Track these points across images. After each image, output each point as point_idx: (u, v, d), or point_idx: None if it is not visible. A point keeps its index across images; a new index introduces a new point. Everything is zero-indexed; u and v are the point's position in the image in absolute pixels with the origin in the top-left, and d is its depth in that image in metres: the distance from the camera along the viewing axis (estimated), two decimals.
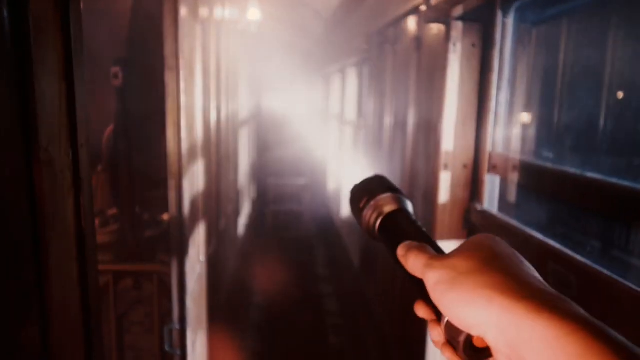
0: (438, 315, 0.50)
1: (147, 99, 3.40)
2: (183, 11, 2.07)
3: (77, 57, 0.99)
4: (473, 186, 2.19)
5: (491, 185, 2.13)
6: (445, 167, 2.18)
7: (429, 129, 2.43)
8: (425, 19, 2.21)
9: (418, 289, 0.53)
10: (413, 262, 0.52)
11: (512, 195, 2.09)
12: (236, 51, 4.81)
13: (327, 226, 7.78)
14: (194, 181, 2.56)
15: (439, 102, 2.22)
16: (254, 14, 5.01)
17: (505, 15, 1.95)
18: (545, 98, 2.07)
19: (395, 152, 3.39)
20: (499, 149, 2.09)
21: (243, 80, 5.71)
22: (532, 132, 2.07)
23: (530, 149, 2.06)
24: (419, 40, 2.73)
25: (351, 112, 6.11)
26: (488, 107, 2.07)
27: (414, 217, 0.62)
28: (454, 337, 0.48)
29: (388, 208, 0.62)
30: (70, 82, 0.97)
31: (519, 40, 2.02)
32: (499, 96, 2.05)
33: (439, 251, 0.54)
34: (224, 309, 4.09)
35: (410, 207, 0.63)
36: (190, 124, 2.38)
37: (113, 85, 3.67)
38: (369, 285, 4.15)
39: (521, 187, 2.04)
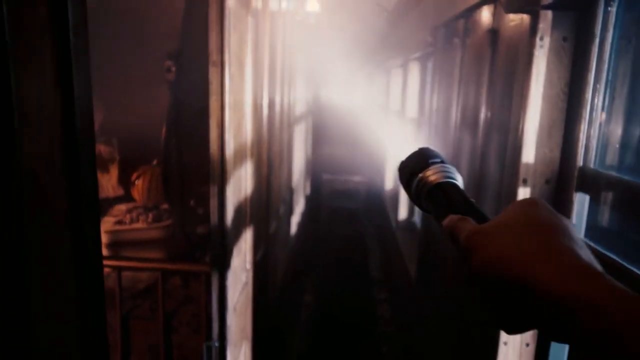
0: None
1: (202, 92, 3.29)
2: (231, 2, 1.88)
3: (78, 55, 0.79)
4: (556, 205, 1.86)
5: (580, 206, 1.80)
6: (525, 181, 1.86)
7: (505, 135, 2.11)
8: (505, 9, 1.90)
9: (464, 261, 0.52)
10: (454, 237, 0.53)
11: (605, 219, 1.76)
12: (293, 43, 4.62)
13: (382, 227, 7.50)
14: (241, 185, 2.38)
15: (519, 105, 1.90)
16: (312, 5, 4.80)
17: (608, 2, 1.61)
18: None
19: (461, 156, 3.08)
20: (592, 163, 1.75)
21: (300, 73, 5.52)
22: (635, 146, 1.72)
23: (630, 166, 1.72)
24: (494, 33, 2.40)
25: (413, 109, 5.78)
26: (580, 114, 1.73)
27: (460, 187, 0.62)
28: None
29: (434, 179, 0.62)
30: (68, 87, 0.78)
31: (623, 33, 1.67)
32: (594, 101, 1.71)
33: (485, 220, 0.54)
34: (273, 314, 3.94)
35: (457, 175, 0.63)
36: (237, 124, 2.20)
37: (166, 79, 3.59)
38: (426, 301, 3.86)
39: (617, 210, 1.70)
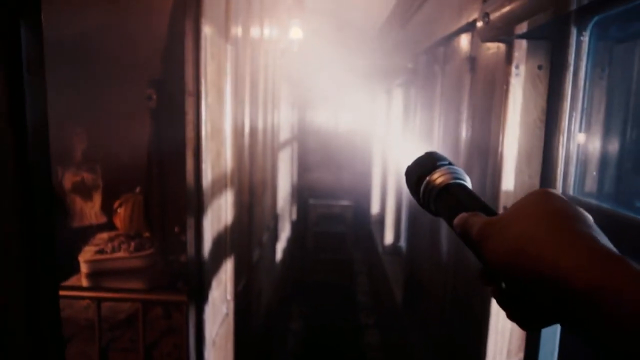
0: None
1: (183, 120, 3.27)
2: (208, 31, 1.87)
3: (33, 91, 0.76)
4: None
5: None
6: (505, 209, 1.86)
7: (485, 162, 2.11)
8: (481, 37, 1.92)
9: (478, 256, 0.51)
10: (467, 232, 0.51)
11: None
12: (276, 70, 4.64)
13: (369, 251, 7.45)
14: (221, 214, 2.34)
15: (497, 133, 1.91)
16: (295, 32, 4.85)
17: (580, 32, 1.63)
18: (631, 132, 1.72)
19: None
20: (571, 191, 1.75)
21: (284, 100, 5.54)
22: (612, 173, 1.73)
23: (609, 193, 1.72)
24: (472, 60, 2.43)
25: (396, 134, 5.82)
26: (557, 141, 1.74)
27: (469, 187, 0.61)
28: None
29: (442, 181, 0.61)
30: (20, 125, 0.75)
31: (596, 62, 1.69)
32: (571, 127, 1.71)
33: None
34: (257, 344, 3.84)
35: (465, 177, 0.62)
36: (216, 153, 2.17)
37: (147, 108, 3.57)
38: (413, 325, 3.80)
39: None
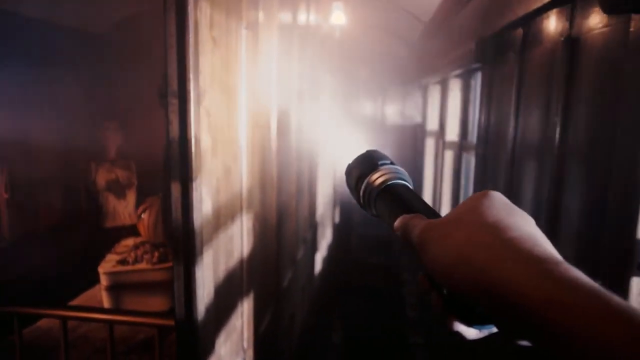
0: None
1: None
2: (206, 7, 1.33)
3: None
4: None
5: None
6: None
7: (600, 189, 1.47)
8: (605, 7, 1.27)
9: (419, 260, 0.48)
10: (407, 235, 0.49)
11: None
12: (316, 59, 4.06)
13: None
14: (234, 247, 1.81)
15: (628, 150, 1.26)
16: (338, 17, 4.25)
17: None
18: None
19: (523, 196, 2.43)
20: None
21: (325, 91, 4.96)
22: None
23: None
24: (573, 42, 1.77)
25: (454, 130, 5.12)
26: None
27: (410, 187, 0.58)
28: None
29: (383, 180, 0.57)
30: None
31: None
32: None
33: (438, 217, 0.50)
34: None
35: (407, 178, 0.58)
36: (225, 170, 1.64)
37: (162, 106, 3.09)
38: (473, 355, 3.17)
39: None
